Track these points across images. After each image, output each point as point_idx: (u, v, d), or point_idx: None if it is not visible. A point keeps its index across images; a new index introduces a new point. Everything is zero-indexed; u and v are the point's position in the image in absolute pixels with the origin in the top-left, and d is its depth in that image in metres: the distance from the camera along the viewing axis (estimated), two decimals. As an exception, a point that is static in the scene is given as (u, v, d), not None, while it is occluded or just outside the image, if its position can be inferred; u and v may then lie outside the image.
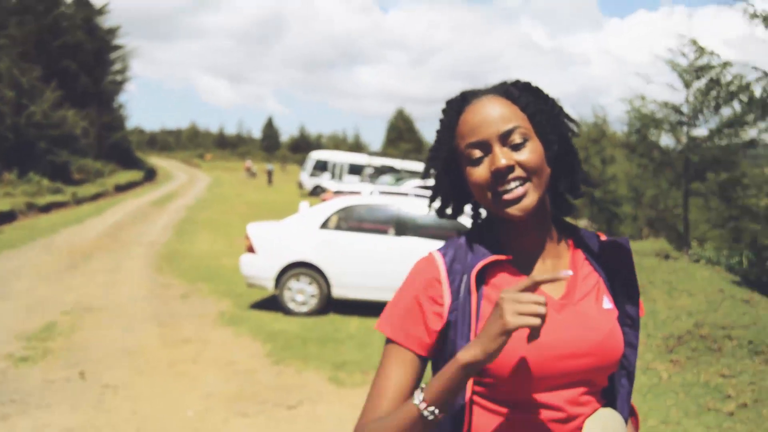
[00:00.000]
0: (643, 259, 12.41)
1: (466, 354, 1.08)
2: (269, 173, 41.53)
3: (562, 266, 1.30)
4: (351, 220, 8.23)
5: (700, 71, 13.02)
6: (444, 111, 1.32)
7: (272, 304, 8.27)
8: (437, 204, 1.39)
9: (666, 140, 17.23)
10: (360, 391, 5.39)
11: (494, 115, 1.22)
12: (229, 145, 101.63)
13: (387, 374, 1.24)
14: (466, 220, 8.20)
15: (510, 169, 1.20)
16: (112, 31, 41.66)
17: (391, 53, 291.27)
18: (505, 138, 1.21)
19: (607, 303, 1.29)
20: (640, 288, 1.34)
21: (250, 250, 8.02)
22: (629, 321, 1.30)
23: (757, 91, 11.82)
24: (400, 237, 8.02)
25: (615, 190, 21.70)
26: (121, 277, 10.11)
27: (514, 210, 1.20)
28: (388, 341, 1.27)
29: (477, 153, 1.22)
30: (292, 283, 7.94)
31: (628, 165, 21.10)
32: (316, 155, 35.70)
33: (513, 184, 1.20)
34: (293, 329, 7.23)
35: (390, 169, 32.03)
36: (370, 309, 8.05)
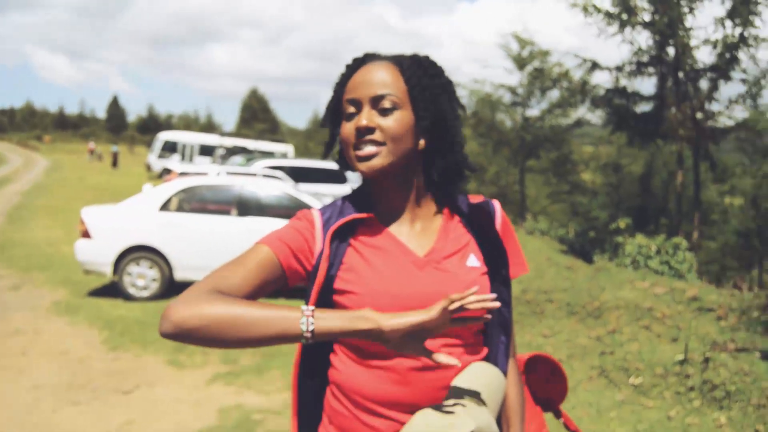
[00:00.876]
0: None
1: (391, 322, 1.15)
2: (115, 155, 39.41)
3: (432, 230, 1.39)
4: (192, 202, 8.12)
5: (526, 59, 13.96)
6: (346, 66, 1.41)
7: (112, 290, 8.01)
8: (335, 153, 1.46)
9: (506, 121, 18.29)
10: (200, 372, 5.41)
11: (374, 79, 1.32)
12: (70, 125, 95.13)
13: (244, 263, 1.28)
14: (311, 199, 8.35)
15: (369, 130, 1.30)
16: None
17: (244, 31, 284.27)
18: (376, 101, 1.30)
19: (474, 261, 1.37)
20: None
21: (86, 235, 7.71)
22: (499, 278, 1.38)
23: (577, 76, 12.86)
24: (242, 217, 8.02)
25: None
26: (-58, 269, 9.37)
27: (363, 167, 1.31)
28: (258, 244, 1.33)
29: (351, 109, 1.33)
30: (132, 268, 7.73)
31: (471, 143, 22.20)
32: (164, 136, 34.25)
33: (368, 144, 1.30)
34: (133, 315, 7.07)
35: (243, 150, 31.40)
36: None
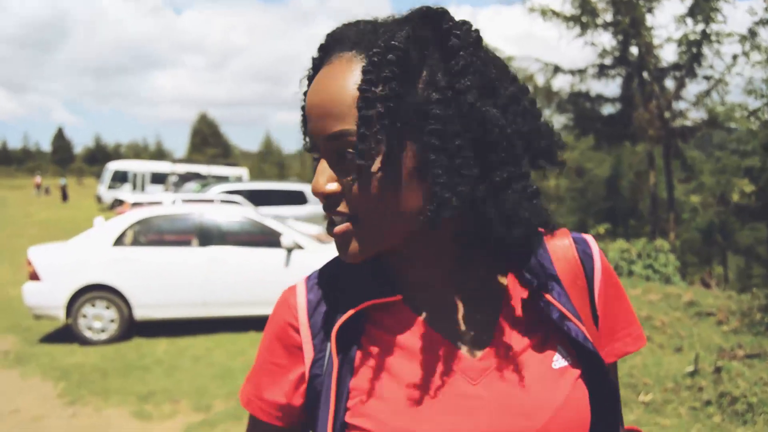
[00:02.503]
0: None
1: None
2: (63, 188, 38.24)
3: (488, 306, 0.85)
4: (149, 234, 7.57)
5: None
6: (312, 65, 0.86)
7: (66, 335, 7.37)
8: None
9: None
10: (170, 423, 4.88)
11: (323, 103, 0.77)
12: (14, 160, 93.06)
13: None
14: (275, 222, 7.88)
15: (331, 198, 0.79)
16: None
17: (187, 57, 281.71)
18: (331, 145, 0.78)
19: (561, 360, 0.82)
20: None
21: (34, 277, 7.08)
22: (604, 377, 0.83)
23: (540, 81, 12.71)
24: (204, 247, 7.49)
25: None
26: None
27: (339, 253, 0.82)
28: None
29: (314, 152, 0.82)
30: (87, 309, 7.12)
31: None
32: (113, 166, 33.49)
33: (337, 218, 0.80)
34: (91, 361, 6.47)
35: (196, 176, 30.71)
36: (179, 328, 7.46)
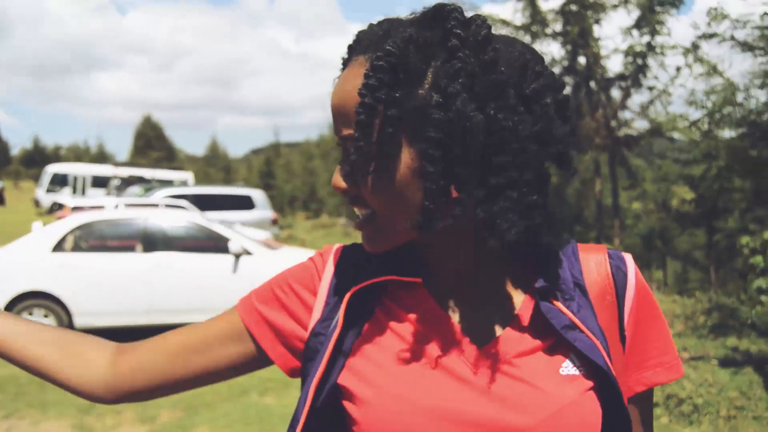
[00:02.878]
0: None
1: None
2: (-1, 192, 36.90)
3: (507, 306, 0.85)
4: (90, 239, 7.30)
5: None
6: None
7: (1, 344, 7.06)
8: None
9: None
10: (112, 435, 4.70)
11: (338, 106, 0.81)
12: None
13: (206, 324, 0.95)
14: (224, 227, 7.72)
15: (347, 194, 0.83)
16: None
17: (132, 58, 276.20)
18: (345, 144, 0.81)
19: (571, 368, 0.79)
20: None
21: (-34, 284, 6.76)
22: (622, 398, 0.80)
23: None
24: (149, 253, 7.28)
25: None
26: None
27: (364, 243, 0.86)
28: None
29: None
30: (25, 318, 6.84)
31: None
32: (53, 168, 32.48)
33: (357, 212, 0.84)
34: (28, 373, 6.19)
35: (140, 180, 30.05)
36: (122, 336, 7.22)
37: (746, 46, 8.30)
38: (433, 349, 0.81)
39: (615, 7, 9.85)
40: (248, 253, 7.41)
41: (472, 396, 0.78)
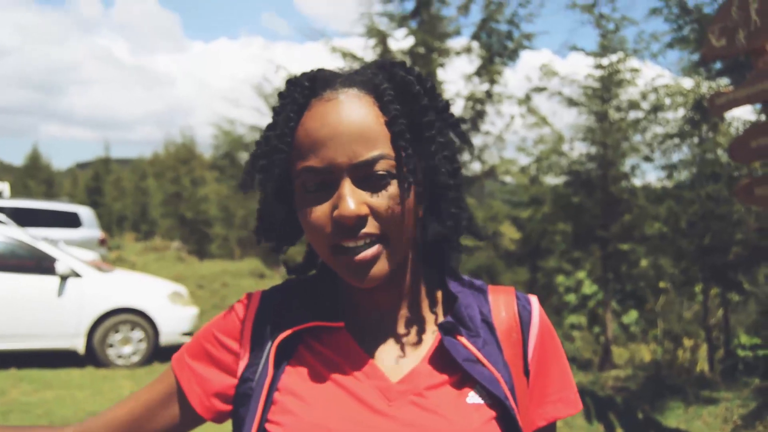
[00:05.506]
0: (240, 281, 12.54)
1: None
2: None
3: (421, 342, 0.92)
4: None
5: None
6: (282, 100, 0.88)
7: None
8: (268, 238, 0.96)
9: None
10: None
11: (351, 131, 0.81)
12: None
13: (148, 387, 0.97)
14: (48, 245, 7.14)
15: (361, 221, 0.81)
16: None
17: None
18: (360, 170, 0.81)
19: (476, 397, 0.86)
20: None
21: None
22: (521, 425, 0.87)
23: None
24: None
25: (207, 211, 21.77)
26: None
27: (359, 278, 0.84)
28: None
29: (315, 180, 0.83)
30: None
31: (217, 186, 21.47)
32: None
33: (362, 242, 0.82)
34: None
35: (-55, 189, 27.13)
36: None
37: (572, 102, 9.12)
38: (351, 383, 0.87)
39: (458, 53, 10.40)
40: (77, 275, 6.89)
41: (386, 425, 0.83)
